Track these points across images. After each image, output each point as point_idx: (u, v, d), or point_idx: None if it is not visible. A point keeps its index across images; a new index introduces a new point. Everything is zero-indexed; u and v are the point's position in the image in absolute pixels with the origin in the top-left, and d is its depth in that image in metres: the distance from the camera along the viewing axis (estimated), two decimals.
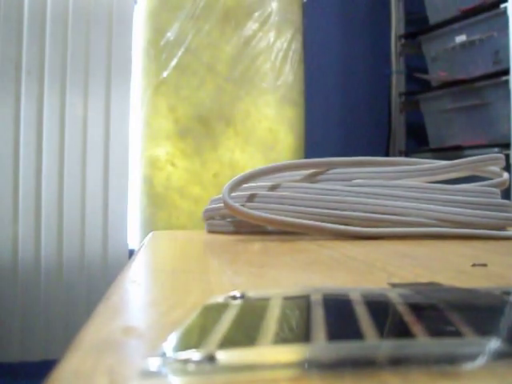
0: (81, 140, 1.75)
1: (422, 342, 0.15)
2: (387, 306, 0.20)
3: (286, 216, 0.48)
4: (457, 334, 0.16)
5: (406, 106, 2.05)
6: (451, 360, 0.14)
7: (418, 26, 1.97)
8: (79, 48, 1.72)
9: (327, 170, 0.52)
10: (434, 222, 0.49)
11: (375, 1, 2.12)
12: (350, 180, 0.51)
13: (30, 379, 1.58)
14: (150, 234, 0.57)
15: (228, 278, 0.30)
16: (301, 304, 0.22)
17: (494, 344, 0.15)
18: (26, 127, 1.71)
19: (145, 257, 0.42)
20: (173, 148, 1.61)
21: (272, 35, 1.65)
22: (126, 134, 1.79)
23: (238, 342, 0.16)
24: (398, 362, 0.14)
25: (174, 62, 1.61)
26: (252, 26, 1.65)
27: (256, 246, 0.50)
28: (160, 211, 1.61)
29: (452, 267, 0.33)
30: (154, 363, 0.14)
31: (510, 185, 0.53)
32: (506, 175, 0.53)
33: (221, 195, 0.52)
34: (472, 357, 0.14)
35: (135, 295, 0.27)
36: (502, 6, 1.54)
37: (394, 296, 0.21)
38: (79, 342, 0.18)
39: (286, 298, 0.22)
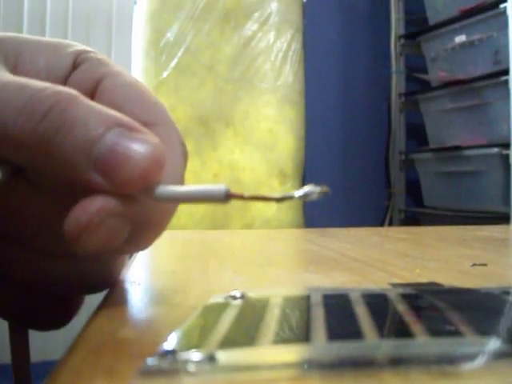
0: None
1: (422, 342, 0.15)
2: (387, 306, 0.20)
3: None
4: (457, 333, 0.16)
5: (406, 106, 2.05)
6: (451, 360, 0.14)
7: (418, 26, 1.97)
8: None
9: None
10: None
11: (375, 1, 2.12)
12: None
13: None
14: None
15: (228, 278, 0.30)
16: (301, 304, 0.22)
17: (493, 344, 0.15)
18: None
19: (144, 257, 0.42)
20: None
21: (272, 35, 1.65)
22: None
23: (238, 342, 0.16)
24: (397, 362, 0.14)
25: (173, 63, 1.61)
26: (252, 26, 1.65)
27: (256, 246, 0.50)
28: None
29: (452, 267, 0.33)
30: (153, 363, 0.14)
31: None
32: None
33: None
34: (472, 357, 0.14)
35: (135, 295, 0.27)
36: (502, 6, 1.54)
37: (394, 296, 0.21)
38: (79, 342, 0.18)
39: (286, 298, 0.22)
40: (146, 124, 0.20)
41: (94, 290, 0.23)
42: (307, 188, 0.17)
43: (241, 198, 0.17)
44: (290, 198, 0.17)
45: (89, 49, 0.23)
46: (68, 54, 0.22)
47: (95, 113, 0.17)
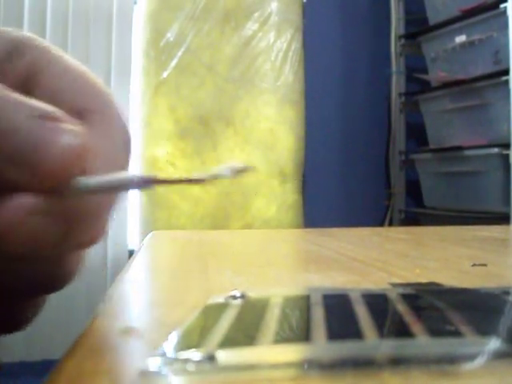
0: None
1: (422, 342, 0.15)
2: (387, 306, 0.20)
3: None
4: (457, 333, 0.16)
5: (406, 106, 2.05)
6: (451, 360, 0.14)
7: (418, 26, 1.97)
8: (79, 48, 1.72)
9: None
10: None
11: (375, 1, 2.12)
12: None
13: (31, 379, 1.58)
14: (150, 235, 0.57)
15: (228, 278, 0.30)
16: (301, 304, 0.22)
17: (493, 344, 0.15)
18: None
19: (145, 257, 0.42)
20: (173, 148, 1.61)
21: (272, 35, 1.65)
22: None
23: (238, 341, 0.16)
24: (397, 362, 0.14)
25: (174, 63, 1.61)
26: (252, 26, 1.65)
27: (255, 246, 0.50)
28: (160, 211, 1.61)
29: (452, 267, 0.33)
30: (154, 363, 0.15)
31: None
32: None
33: None
34: (472, 357, 0.14)
35: (135, 295, 0.27)
36: (502, 6, 1.54)
37: (394, 296, 0.21)
38: (80, 341, 0.18)
39: (286, 298, 0.22)
40: (82, 111, 0.19)
41: (50, 289, 0.21)
42: (230, 165, 0.17)
43: (166, 182, 0.17)
44: (215, 177, 0.17)
45: (27, 35, 0.22)
46: (2, 41, 0.21)
47: (14, 103, 0.17)
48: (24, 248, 0.16)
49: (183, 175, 0.17)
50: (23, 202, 0.16)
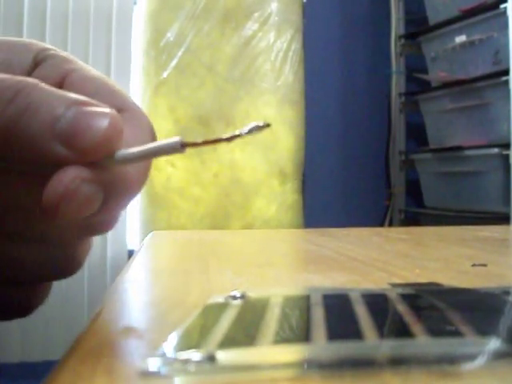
0: None
1: (422, 342, 0.15)
2: (387, 307, 0.20)
3: None
4: (457, 333, 0.16)
5: (406, 106, 2.05)
6: (451, 360, 0.14)
7: (418, 26, 1.97)
8: (79, 48, 1.72)
9: None
10: None
11: (375, 1, 2.12)
12: None
13: (30, 379, 1.58)
14: (150, 235, 0.57)
15: (228, 278, 0.30)
16: (301, 304, 0.22)
17: (493, 344, 0.15)
18: None
19: (145, 257, 0.42)
20: None
21: (272, 35, 1.65)
22: None
23: (238, 341, 0.16)
24: (398, 362, 0.14)
25: (174, 63, 1.61)
26: (252, 26, 1.64)
27: (256, 246, 0.50)
28: (160, 211, 1.61)
29: (452, 267, 0.33)
30: (154, 363, 0.14)
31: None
32: None
33: None
34: (472, 357, 0.14)
35: (135, 295, 0.27)
36: (502, 6, 1.54)
37: (394, 296, 0.21)
38: (80, 341, 0.18)
39: (286, 298, 0.22)
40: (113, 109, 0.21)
41: (60, 275, 0.23)
42: (251, 124, 0.19)
43: (195, 145, 0.19)
44: (239, 136, 0.19)
45: (50, 46, 0.24)
46: (28, 51, 0.24)
47: (56, 95, 0.19)
48: (75, 215, 0.19)
49: (210, 137, 0.19)
50: (78, 172, 0.18)
